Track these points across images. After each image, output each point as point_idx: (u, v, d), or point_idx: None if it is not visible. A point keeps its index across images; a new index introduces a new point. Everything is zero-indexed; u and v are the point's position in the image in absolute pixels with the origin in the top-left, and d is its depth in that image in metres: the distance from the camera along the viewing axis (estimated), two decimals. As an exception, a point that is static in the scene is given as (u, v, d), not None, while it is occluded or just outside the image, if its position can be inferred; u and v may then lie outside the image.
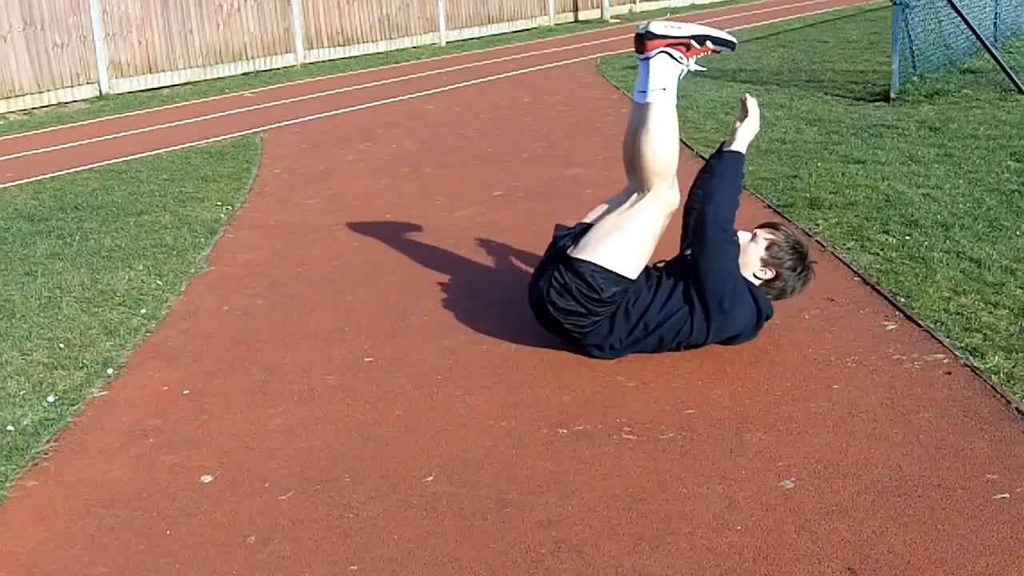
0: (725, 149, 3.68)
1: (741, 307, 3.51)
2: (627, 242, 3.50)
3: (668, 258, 3.76)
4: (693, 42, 3.54)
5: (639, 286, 3.54)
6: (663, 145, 3.52)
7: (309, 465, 2.98)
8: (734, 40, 3.68)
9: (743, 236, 3.64)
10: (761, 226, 3.72)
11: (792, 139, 7.15)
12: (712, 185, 3.59)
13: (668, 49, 3.52)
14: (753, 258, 3.60)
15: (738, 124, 3.71)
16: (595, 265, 3.47)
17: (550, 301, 3.52)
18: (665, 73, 3.53)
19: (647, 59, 3.54)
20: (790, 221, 5.12)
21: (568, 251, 3.55)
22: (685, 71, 3.59)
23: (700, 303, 3.48)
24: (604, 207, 3.72)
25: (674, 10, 20.43)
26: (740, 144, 3.66)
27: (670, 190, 3.57)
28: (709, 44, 3.57)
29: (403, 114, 9.48)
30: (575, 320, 3.52)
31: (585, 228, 3.64)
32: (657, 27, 3.51)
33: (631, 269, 3.50)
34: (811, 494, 2.67)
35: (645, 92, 3.55)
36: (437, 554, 2.50)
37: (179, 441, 3.19)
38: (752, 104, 3.73)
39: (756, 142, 7.06)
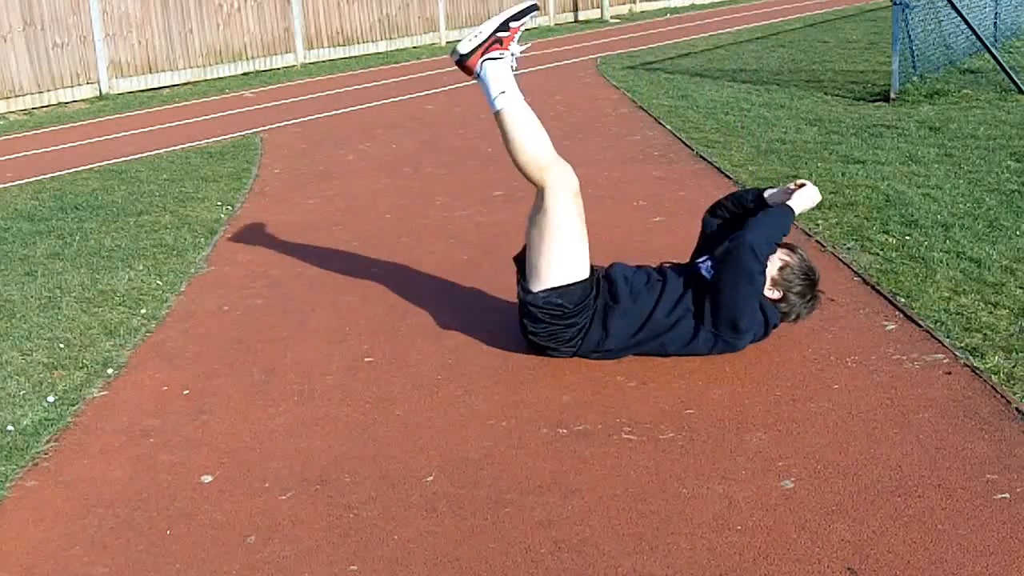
0: (779, 204, 3.68)
1: (752, 327, 3.52)
2: (557, 251, 3.51)
3: (674, 260, 3.75)
4: (499, 34, 3.59)
5: (637, 288, 3.54)
6: (528, 143, 3.56)
7: (309, 465, 2.98)
8: (531, 3, 3.70)
9: None
10: (780, 245, 3.68)
11: (792, 139, 7.15)
12: (758, 219, 3.59)
13: (486, 56, 3.57)
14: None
15: (792, 187, 3.71)
16: (543, 291, 3.50)
17: (530, 332, 3.56)
18: (497, 76, 3.58)
19: (477, 75, 3.60)
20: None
21: (519, 294, 3.58)
22: (512, 60, 3.63)
23: (712, 321, 3.46)
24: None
25: (674, 10, 20.43)
26: (795, 205, 3.64)
27: (561, 174, 3.56)
28: (513, 24, 3.62)
29: (403, 114, 9.48)
30: (559, 337, 3.52)
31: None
32: (464, 46, 3.57)
33: (577, 270, 3.52)
34: (811, 494, 2.67)
35: (491, 101, 3.59)
36: (437, 554, 2.50)
37: (179, 441, 3.19)
38: (811, 186, 3.72)
39: (756, 142, 7.09)
